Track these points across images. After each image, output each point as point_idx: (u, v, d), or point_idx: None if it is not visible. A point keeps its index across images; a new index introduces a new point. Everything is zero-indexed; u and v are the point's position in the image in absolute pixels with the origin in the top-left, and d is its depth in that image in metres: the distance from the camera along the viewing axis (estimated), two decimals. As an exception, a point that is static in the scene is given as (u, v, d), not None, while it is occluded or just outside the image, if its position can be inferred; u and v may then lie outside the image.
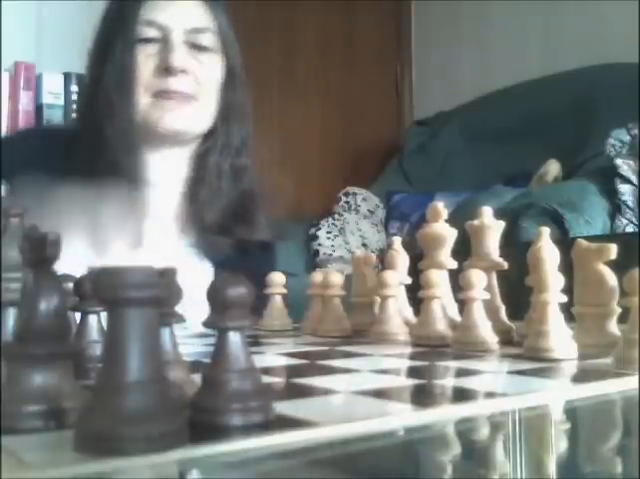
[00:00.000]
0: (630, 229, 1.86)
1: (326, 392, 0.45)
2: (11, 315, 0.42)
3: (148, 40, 1.04)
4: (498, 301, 0.71)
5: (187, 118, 1.05)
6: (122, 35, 1.03)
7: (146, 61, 1.03)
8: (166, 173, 1.09)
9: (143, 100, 1.03)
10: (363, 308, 0.82)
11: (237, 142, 1.10)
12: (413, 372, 0.56)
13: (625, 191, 1.90)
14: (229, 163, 1.09)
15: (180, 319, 0.42)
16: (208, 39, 1.07)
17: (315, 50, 3.27)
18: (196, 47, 1.06)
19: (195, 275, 1.03)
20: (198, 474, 0.32)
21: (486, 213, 0.72)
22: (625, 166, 1.93)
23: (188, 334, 0.78)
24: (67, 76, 2.53)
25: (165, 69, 1.02)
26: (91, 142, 1.04)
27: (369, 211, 2.87)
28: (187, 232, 1.08)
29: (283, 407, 0.38)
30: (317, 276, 0.84)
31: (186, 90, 1.04)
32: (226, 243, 1.07)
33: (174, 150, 1.09)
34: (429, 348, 0.67)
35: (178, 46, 1.03)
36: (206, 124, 1.08)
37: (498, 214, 0.76)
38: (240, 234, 1.09)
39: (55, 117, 2.53)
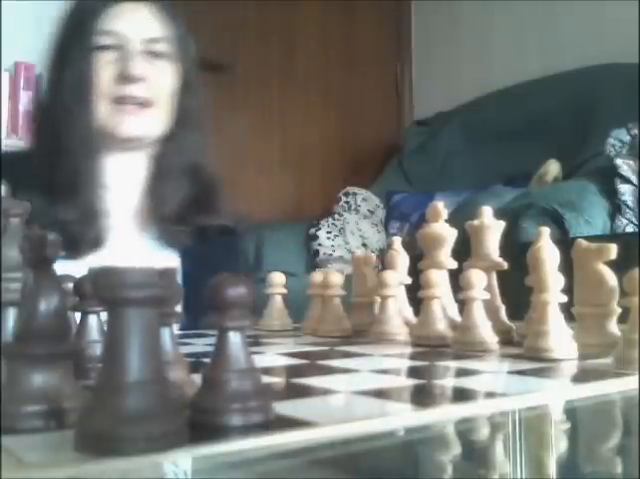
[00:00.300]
0: (630, 229, 1.86)
1: (326, 392, 0.45)
2: (11, 315, 0.42)
3: (105, 48, 1.07)
4: (498, 301, 0.71)
5: (145, 123, 1.09)
6: (79, 43, 1.07)
7: (104, 68, 1.07)
8: (125, 175, 1.14)
9: (101, 107, 1.07)
10: (363, 308, 0.82)
11: (192, 144, 1.15)
12: (413, 372, 0.56)
13: (625, 191, 1.90)
14: (185, 163, 1.14)
15: (180, 319, 0.42)
16: (164, 47, 1.11)
17: (315, 50, 3.27)
18: (153, 54, 1.09)
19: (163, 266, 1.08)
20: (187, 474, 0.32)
21: (486, 213, 0.72)
22: (625, 166, 1.93)
23: None
24: (67, 76, 2.52)
25: (124, 77, 1.06)
26: (49, 149, 1.08)
27: (369, 211, 2.87)
28: (149, 227, 1.13)
29: (283, 407, 0.38)
30: (317, 276, 0.84)
31: (144, 96, 1.07)
32: (186, 233, 1.12)
33: (132, 153, 1.13)
34: (429, 348, 0.67)
35: (136, 54, 1.07)
36: (163, 128, 1.12)
37: (498, 214, 0.76)
38: (200, 221, 1.14)
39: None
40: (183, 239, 1.12)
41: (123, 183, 1.13)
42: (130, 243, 1.12)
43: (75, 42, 1.07)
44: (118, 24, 1.07)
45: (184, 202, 1.13)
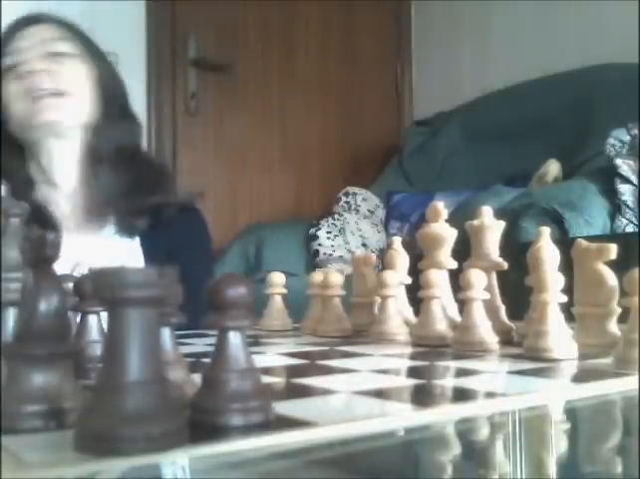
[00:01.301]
0: (630, 229, 1.86)
1: (326, 392, 0.45)
2: (11, 315, 0.42)
3: (11, 67, 1.16)
4: (498, 301, 0.71)
5: (58, 110, 1.16)
6: None
7: (11, 81, 1.16)
8: (64, 164, 1.21)
9: (18, 108, 1.16)
10: (363, 308, 0.82)
11: (119, 131, 1.22)
12: (413, 372, 0.56)
13: (625, 191, 1.90)
14: (112, 148, 1.21)
15: (180, 319, 0.42)
16: (66, 46, 1.19)
17: (315, 50, 3.27)
18: (54, 54, 1.17)
19: (127, 256, 1.12)
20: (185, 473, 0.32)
21: (486, 213, 0.72)
22: (625, 166, 1.93)
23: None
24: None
25: (27, 72, 1.14)
26: None
27: (369, 211, 2.87)
28: (100, 217, 1.19)
29: (283, 407, 0.38)
30: (317, 276, 0.84)
31: (43, 85, 1.15)
32: (140, 217, 1.17)
33: (63, 142, 1.19)
34: (429, 348, 0.67)
35: (34, 55, 1.15)
36: (82, 117, 1.19)
37: (498, 214, 0.76)
38: (150, 202, 1.18)
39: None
40: (139, 225, 1.17)
41: (63, 172, 1.20)
42: (84, 234, 1.17)
43: None
44: (18, 43, 1.17)
45: (127, 187, 1.19)
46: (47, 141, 1.18)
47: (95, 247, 1.13)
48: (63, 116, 1.16)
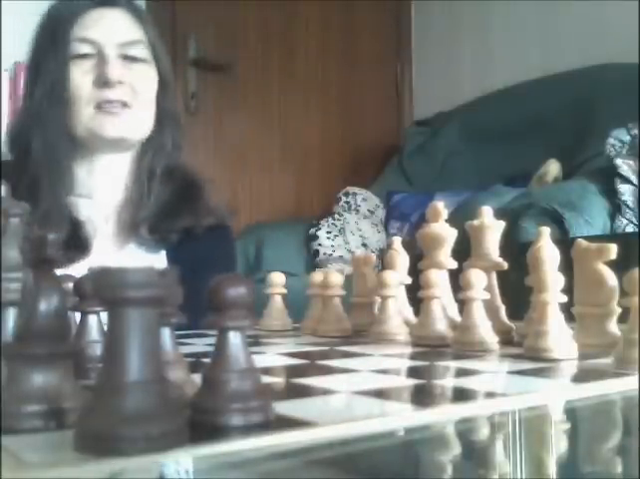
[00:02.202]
0: (630, 229, 1.86)
1: (326, 392, 0.45)
2: (11, 315, 0.42)
3: (82, 56, 1.09)
4: (498, 301, 0.71)
5: (127, 125, 1.11)
6: (54, 53, 1.09)
7: (83, 76, 1.09)
8: (109, 179, 1.16)
9: (86, 112, 1.09)
10: (363, 308, 0.82)
11: (169, 145, 1.18)
12: (413, 372, 0.56)
13: (625, 191, 1.90)
14: (162, 165, 1.16)
15: (180, 319, 0.42)
16: (140, 51, 1.13)
17: (315, 50, 3.27)
18: (129, 58, 1.12)
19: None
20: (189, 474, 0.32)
21: (486, 213, 0.72)
22: (625, 166, 1.93)
23: None
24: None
25: (103, 82, 1.08)
26: (19, 158, 1.11)
27: (369, 211, 2.87)
28: (133, 230, 1.14)
29: (283, 407, 0.38)
30: (317, 276, 0.84)
31: (124, 98, 1.10)
32: (172, 234, 1.13)
33: (118, 156, 1.15)
34: (429, 348, 0.67)
35: (113, 59, 1.09)
36: (146, 130, 1.14)
37: (498, 214, 0.76)
38: (186, 222, 1.15)
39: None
40: (169, 241, 1.13)
41: (105, 185, 1.15)
42: (115, 249, 1.13)
43: (49, 52, 1.09)
44: (92, 31, 1.10)
45: (168, 202, 1.15)
46: (103, 153, 1.13)
47: (121, 259, 1.11)
48: (131, 132, 1.11)
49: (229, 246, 1.26)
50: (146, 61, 1.13)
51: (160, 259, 1.13)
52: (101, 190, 1.14)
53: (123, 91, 1.09)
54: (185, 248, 1.13)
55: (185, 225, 1.14)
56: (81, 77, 1.08)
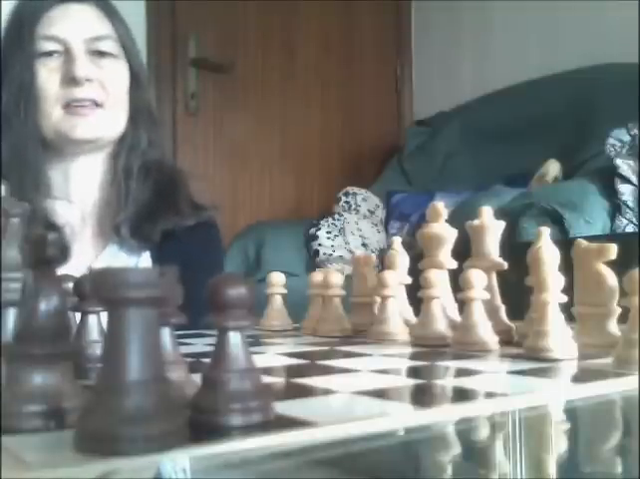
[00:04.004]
0: (630, 229, 1.86)
1: (326, 392, 0.45)
2: (11, 315, 0.42)
3: (49, 54, 1.05)
4: (498, 301, 0.71)
5: (99, 124, 1.07)
6: (19, 52, 1.05)
7: (50, 74, 1.05)
8: (86, 179, 1.12)
9: (54, 112, 1.05)
10: (363, 308, 0.82)
11: (145, 142, 1.14)
12: (413, 372, 0.56)
13: (625, 191, 1.90)
14: (138, 163, 1.12)
15: (181, 319, 0.42)
16: (109, 45, 1.09)
17: (315, 50, 3.27)
18: (98, 54, 1.08)
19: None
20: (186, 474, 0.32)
21: (486, 213, 0.72)
22: (625, 166, 1.93)
23: None
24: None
25: (71, 79, 1.04)
26: None
27: (369, 211, 2.87)
28: (114, 230, 1.10)
29: (283, 407, 0.38)
30: (317, 276, 0.84)
31: (94, 97, 1.06)
32: (155, 231, 1.09)
33: (91, 156, 1.11)
34: (429, 348, 0.67)
35: (80, 55, 1.05)
36: (119, 129, 1.11)
37: (498, 214, 0.76)
38: (170, 219, 1.10)
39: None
40: (152, 239, 1.09)
41: (79, 186, 1.11)
42: (95, 251, 1.10)
43: (15, 51, 1.06)
44: (58, 28, 1.06)
45: (148, 202, 1.11)
46: (75, 154, 1.09)
47: (102, 262, 1.07)
48: (102, 132, 1.08)
49: (215, 243, 1.22)
50: (115, 56, 1.10)
51: (143, 261, 1.10)
52: (76, 191, 1.11)
53: (92, 88, 1.05)
54: (169, 248, 1.10)
55: (168, 226, 1.10)
56: (47, 76, 1.05)
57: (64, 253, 1.16)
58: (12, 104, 1.05)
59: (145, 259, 1.10)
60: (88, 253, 1.09)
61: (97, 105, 1.06)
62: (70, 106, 1.05)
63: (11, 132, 1.05)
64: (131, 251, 1.10)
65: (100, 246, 1.11)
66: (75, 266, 1.08)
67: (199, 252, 1.13)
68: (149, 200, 1.11)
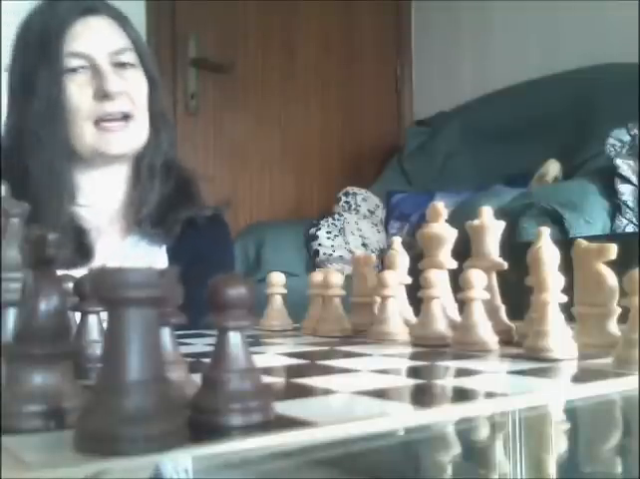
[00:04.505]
0: (630, 229, 1.86)
1: (326, 392, 0.45)
2: (11, 315, 0.42)
3: (74, 70, 1.08)
4: (498, 301, 0.71)
5: (130, 138, 1.11)
6: (46, 68, 1.06)
7: (80, 90, 1.07)
8: (108, 184, 1.15)
9: (86, 128, 1.08)
10: (363, 308, 0.82)
11: (165, 144, 1.17)
12: (413, 372, 0.56)
13: (625, 191, 1.90)
14: (160, 163, 1.16)
15: (181, 319, 0.42)
16: (129, 56, 1.12)
17: (315, 50, 3.27)
18: (121, 66, 1.10)
19: (152, 263, 1.09)
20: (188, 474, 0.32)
21: (486, 213, 0.72)
22: (625, 166, 1.93)
23: None
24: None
25: (103, 94, 1.07)
26: (17, 178, 1.05)
27: (369, 211, 2.87)
28: (132, 230, 1.14)
29: (283, 407, 0.38)
30: (317, 276, 0.84)
31: (125, 110, 1.09)
32: (171, 229, 1.14)
33: (118, 165, 1.15)
34: (429, 348, 0.67)
35: (108, 70, 1.08)
36: (145, 136, 1.14)
37: (498, 214, 0.76)
38: (183, 214, 1.15)
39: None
40: (169, 236, 1.14)
41: (106, 192, 1.15)
42: (117, 250, 1.13)
43: (41, 68, 1.07)
44: (82, 44, 1.08)
45: (167, 196, 1.15)
46: (105, 166, 1.12)
47: (121, 253, 1.11)
48: (133, 144, 1.11)
49: (227, 239, 1.27)
50: (135, 66, 1.13)
51: (160, 253, 1.14)
52: (102, 198, 1.14)
53: (122, 102, 1.08)
54: (185, 242, 1.14)
55: (187, 215, 1.15)
56: (78, 91, 1.07)
57: (87, 255, 1.17)
58: (41, 120, 1.06)
59: (162, 252, 1.14)
60: (110, 248, 1.12)
61: (127, 117, 1.09)
62: (101, 121, 1.07)
63: (41, 148, 1.07)
64: (150, 243, 1.14)
65: (119, 238, 1.15)
66: (98, 262, 1.08)
67: (212, 248, 1.18)
68: (168, 194, 1.16)
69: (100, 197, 1.14)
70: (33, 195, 1.03)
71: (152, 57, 1.19)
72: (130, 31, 1.15)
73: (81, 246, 1.06)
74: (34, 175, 1.06)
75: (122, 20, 1.15)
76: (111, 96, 1.06)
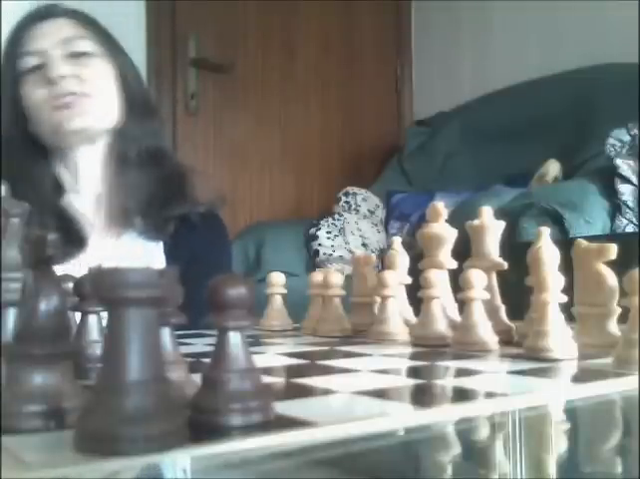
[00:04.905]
0: (630, 229, 1.86)
1: (326, 392, 0.45)
2: (11, 315, 0.42)
3: (33, 69, 1.12)
4: (498, 301, 0.71)
5: (85, 114, 1.12)
6: (7, 72, 1.14)
7: (35, 88, 1.12)
8: (87, 171, 1.18)
9: (44, 116, 1.12)
10: (363, 308, 0.82)
11: (138, 131, 1.18)
12: (413, 372, 0.56)
13: (625, 191, 1.90)
14: (134, 151, 1.17)
15: (181, 319, 0.42)
16: (86, 45, 1.15)
17: (315, 50, 3.27)
18: (75, 55, 1.13)
19: (150, 259, 1.11)
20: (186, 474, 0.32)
21: (486, 213, 0.72)
22: (625, 166, 1.93)
23: None
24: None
25: (47, 81, 1.10)
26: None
27: (369, 211, 2.87)
28: (126, 221, 1.15)
29: (283, 407, 0.38)
30: (317, 276, 0.84)
31: (71, 89, 1.11)
32: (165, 222, 1.14)
33: (89, 148, 1.16)
34: (429, 348, 0.67)
35: (55, 59, 1.11)
36: (109, 120, 1.15)
37: (498, 214, 0.76)
38: (177, 209, 1.16)
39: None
40: (162, 233, 1.14)
41: (86, 176, 1.17)
42: (111, 240, 1.15)
43: (4, 72, 1.14)
44: (37, 42, 1.12)
45: (158, 189, 1.16)
46: (74, 147, 1.15)
47: (118, 251, 1.12)
48: (91, 121, 1.13)
49: (223, 235, 1.27)
50: (94, 54, 1.15)
51: (157, 249, 1.15)
52: (83, 183, 1.17)
53: (68, 83, 1.10)
54: (181, 240, 1.15)
55: (180, 212, 1.15)
56: (33, 90, 1.11)
57: (81, 244, 1.18)
58: (9, 120, 1.13)
59: (158, 249, 1.15)
60: (105, 242, 1.13)
61: (76, 95, 1.11)
62: (54, 105, 1.11)
63: (14, 147, 1.12)
64: (147, 239, 1.15)
65: (116, 235, 1.16)
66: (92, 257, 1.09)
67: (209, 245, 1.18)
68: (159, 187, 1.16)
69: (79, 183, 1.16)
70: (17, 186, 1.07)
71: (121, 51, 1.21)
72: (92, 27, 1.18)
73: (71, 233, 1.07)
74: (15, 171, 1.10)
75: (83, 18, 1.18)
76: (53, 80, 1.10)
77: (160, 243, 1.15)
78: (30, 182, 1.10)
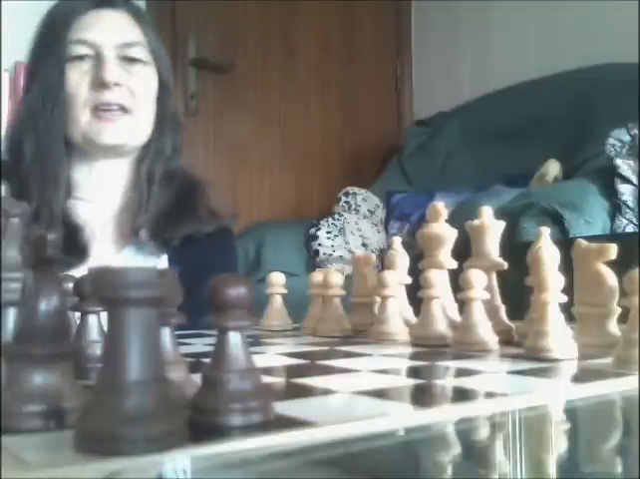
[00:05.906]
0: (630, 229, 1.86)
1: (326, 392, 0.45)
2: (11, 315, 0.42)
3: (80, 57, 1.07)
4: (498, 301, 0.71)
5: (125, 131, 1.09)
6: (50, 54, 1.07)
7: (81, 78, 1.07)
8: (109, 183, 1.14)
9: (82, 117, 1.07)
10: (363, 308, 0.82)
11: (169, 149, 1.15)
12: (413, 372, 0.56)
13: (625, 191, 1.90)
14: (161, 169, 1.14)
15: (180, 319, 0.42)
16: (139, 52, 1.10)
17: (315, 50, 3.27)
18: (128, 60, 1.09)
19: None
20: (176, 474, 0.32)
21: (486, 213, 0.72)
22: (625, 166, 1.93)
23: None
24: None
25: (100, 83, 1.06)
26: (14, 159, 1.08)
27: (369, 211, 2.87)
28: (134, 234, 1.11)
29: (283, 407, 0.38)
30: (317, 276, 0.84)
31: (122, 102, 1.07)
32: (174, 237, 1.11)
33: (116, 161, 1.13)
34: (429, 348, 0.67)
35: (110, 60, 1.07)
36: (145, 136, 1.12)
37: (498, 214, 0.76)
38: (189, 227, 1.12)
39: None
40: (171, 243, 1.11)
41: (104, 188, 1.13)
42: (113, 253, 1.11)
43: (46, 54, 1.07)
44: (89, 32, 1.07)
45: (168, 206, 1.12)
46: (101, 157, 1.11)
47: (120, 261, 1.08)
48: (126, 138, 1.09)
49: (231, 251, 1.24)
50: (145, 62, 1.11)
51: (160, 264, 1.11)
52: (100, 194, 1.12)
53: (120, 93, 1.07)
54: (187, 253, 1.11)
55: (187, 231, 1.12)
56: (78, 79, 1.06)
57: (82, 254, 1.13)
58: (40, 105, 1.06)
59: (162, 263, 1.11)
60: (106, 255, 1.10)
61: (124, 111, 1.07)
62: (98, 110, 1.06)
63: (37, 132, 1.07)
64: (149, 254, 1.11)
65: (118, 249, 1.12)
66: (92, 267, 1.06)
67: (215, 260, 1.14)
68: (169, 205, 1.13)
69: (98, 193, 1.12)
70: (22, 180, 1.05)
71: (167, 59, 1.17)
72: (146, 28, 1.13)
73: (74, 243, 1.03)
74: (26, 159, 1.06)
75: (139, 16, 1.13)
76: (107, 85, 1.05)
77: (165, 257, 1.12)
78: (40, 178, 1.05)
